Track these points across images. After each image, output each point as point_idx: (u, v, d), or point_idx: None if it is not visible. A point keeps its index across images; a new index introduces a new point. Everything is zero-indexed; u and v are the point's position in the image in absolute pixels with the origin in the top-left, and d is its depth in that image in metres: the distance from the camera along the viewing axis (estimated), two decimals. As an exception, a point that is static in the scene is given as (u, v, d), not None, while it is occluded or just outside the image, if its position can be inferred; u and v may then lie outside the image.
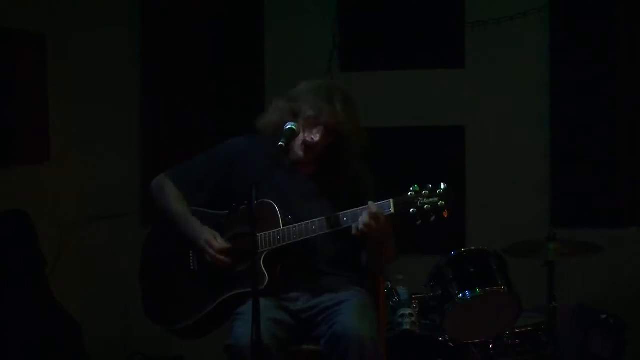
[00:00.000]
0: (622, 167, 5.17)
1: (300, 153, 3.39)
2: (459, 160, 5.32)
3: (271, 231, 3.32)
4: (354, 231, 3.22)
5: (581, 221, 5.13)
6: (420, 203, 3.14)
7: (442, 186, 3.14)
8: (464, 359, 4.12)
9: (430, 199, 3.13)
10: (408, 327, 4.07)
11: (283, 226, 3.32)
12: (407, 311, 4.10)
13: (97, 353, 5.07)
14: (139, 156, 5.50)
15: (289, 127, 3.32)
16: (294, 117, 3.38)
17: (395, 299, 4.19)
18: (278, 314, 3.32)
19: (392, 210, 3.18)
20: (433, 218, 3.13)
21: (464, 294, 4.03)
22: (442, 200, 3.13)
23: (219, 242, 3.38)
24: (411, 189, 3.16)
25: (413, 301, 4.18)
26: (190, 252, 3.48)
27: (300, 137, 3.36)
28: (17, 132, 4.97)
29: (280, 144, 3.26)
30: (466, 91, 5.31)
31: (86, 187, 5.47)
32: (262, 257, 3.30)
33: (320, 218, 3.28)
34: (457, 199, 3.19)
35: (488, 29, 5.21)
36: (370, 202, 3.20)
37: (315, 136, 3.35)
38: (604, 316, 4.64)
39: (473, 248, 4.22)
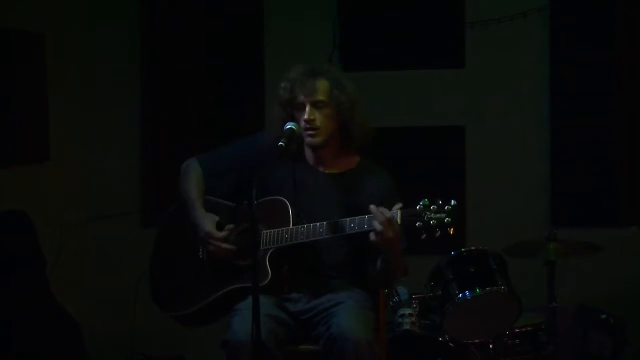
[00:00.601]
0: (622, 167, 5.17)
1: (308, 139, 3.41)
2: (459, 160, 5.32)
3: (279, 229, 3.32)
4: (372, 237, 3.18)
5: (581, 221, 5.13)
6: (427, 217, 3.11)
7: (452, 203, 3.11)
8: (464, 359, 4.12)
9: (438, 215, 3.10)
10: (408, 327, 4.07)
11: (292, 225, 3.32)
12: (407, 311, 4.10)
13: (97, 353, 5.07)
14: (139, 156, 5.50)
15: (289, 127, 3.34)
16: (290, 115, 3.41)
17: (395, 299, 4.19)
18: (277, 311, 3.33)
19: (398, 221, 3.16)
20: (438, 234, 3.11)
21: (464, 294, 4.03)
22: (449, 217, 3.09)
23: (220, 233, 3.39)
24: (420, 202, 3.14)
25: (413, 301, 4.18)
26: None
27: (301, 124, 3.38)
28: (17, 132, 4.97)
29: (281, 144, 3.26)
30: (466, 91, 5.31)
31: (86, 187, 5.47)
32: (268, 254, 3.31)
33: (327, 222, 3.28)
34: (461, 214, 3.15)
35: (488, 29, 5.20)
36: (372, 206, 3.17)
37: (309, 114, 3.37)
38: (604, 316, 4.64)
39: (473, 248, 4.22)
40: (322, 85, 3.39)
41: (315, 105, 3.38)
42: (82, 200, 5.44)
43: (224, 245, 3.39)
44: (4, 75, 4.85)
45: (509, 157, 5.30)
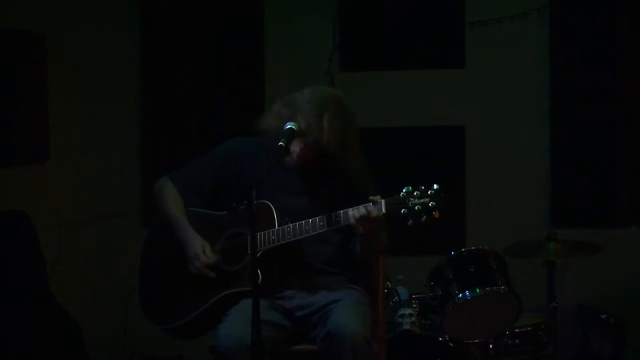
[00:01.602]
0: (622, 167, 5.17)
1: (293, 161, 3.40)
2: (459, 160, 5.32)
3: (265, 231, 3.33)
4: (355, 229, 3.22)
5: (581, 221, 5.13)
6: (411, 203, 3.14)
7: (435, 187, 3.14)
8: (464, 359, 4.12)
9: (422, 200, 3.14)
10: (408, 327, 4.07)
11: (278, 226, 3.33)
12: (407, 311, 4.10)
13: (97, 353, 5.07)
14: (139, 156, 5.50)
15: (288, 127, 3.33)
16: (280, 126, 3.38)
17: (395, 299, 4.19)
18: (271, 315, 3.32)
19: (383, 210, 3.18)
20: (424, 218, 3.13)
21: (464, 294, 4.04)
22: (433, 201, 3.13)
23: (206, 256, 3.40)
24: (404, 189, 3.17)
25: (413, 301, 4.19)
26: None
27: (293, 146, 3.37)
28: (17, 132, 4.97)
29: (281, 144, 3.26)
30: (466, 91, 5.31)
31: (86, 187, 5.47)
32: (257, 257, 3.31)
33: (313, 218, 3.29)
34: (453, 199, 3.18)
35: (488, 29, 5.21)
36: (352, 211, 3.20)
37: (302, 150, 3.37)
38: (604, 316, 4.65)
39: (473, 248, 4.22)
40: (328, 129, 3.32)
41: (314, 143, 3.35)
42: (82, 200, 5.44)
43: (206, 270, 3.39)
44: (4, 75, 4.85)
45: (509, 157, 5.30)
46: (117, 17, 5.47)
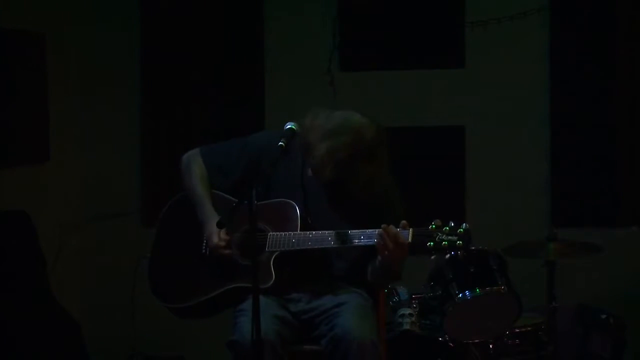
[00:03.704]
0: (622, 167, 5.17)
1: (312, 173, 3.36)
2: (459, 160, 5.32)
3: (287, 233, 3.31)
4: (378, 252, 3.19)
5: (581, 221, 5.14)
6: (438, 238, 3.11)
7: (464, 226, 3.11)
8: (464, 359, 4.12)
9: (449, 237, 3.11)
10: (408, 327, 4.07)
11: (300, 230, 3.32)
12: (407, 311, 4.11)
13: (97, 353, 5.07)
14: (139, 156, 5.50)
15: (288, 127, 3.31)
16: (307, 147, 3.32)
17: (395, 299, 4.20)
18: (282, 311, 3.33)
19: (409, 239, 3.15)
20: (448, 256, 3.13)
21: (464, 294, 4.03)
22: (460, 241, 3.10)
23: (222, 235, 3.36)
24: (433, 223, 3.14)
25: (413, 301, 4.19)
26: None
27: (310, 162, 3.31)
28: (17, 132, 4.97)
29: (280, 144, 3.24)
30: (466, 91, 5.31)
31: (86, 187, 5.48)
32: (273, 257, 3.31)
33: (336, 231, 3.26)
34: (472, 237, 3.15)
35: (488, 29, 5.20)
36: (383, 226, 3.16)
37: (314, 170, 3.31)
38: (604, 316, 4.64)
39: (473, 248, 4.22)
40: (336, 170, 3.24)
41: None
42: (82, 200, 5.45)
43: (220, 250, 3.37)
44: (4, 75, 4.85)
45: (509, 157, 5.30)
46: (117, 17, 5.47)
